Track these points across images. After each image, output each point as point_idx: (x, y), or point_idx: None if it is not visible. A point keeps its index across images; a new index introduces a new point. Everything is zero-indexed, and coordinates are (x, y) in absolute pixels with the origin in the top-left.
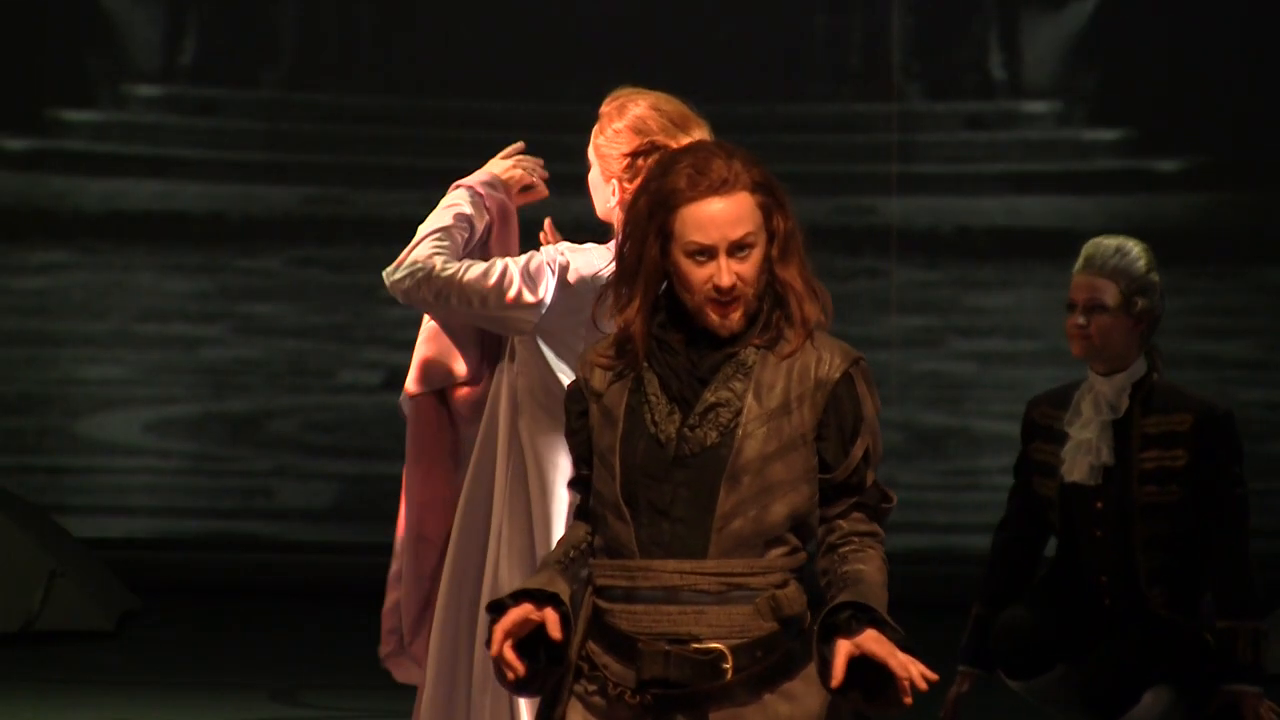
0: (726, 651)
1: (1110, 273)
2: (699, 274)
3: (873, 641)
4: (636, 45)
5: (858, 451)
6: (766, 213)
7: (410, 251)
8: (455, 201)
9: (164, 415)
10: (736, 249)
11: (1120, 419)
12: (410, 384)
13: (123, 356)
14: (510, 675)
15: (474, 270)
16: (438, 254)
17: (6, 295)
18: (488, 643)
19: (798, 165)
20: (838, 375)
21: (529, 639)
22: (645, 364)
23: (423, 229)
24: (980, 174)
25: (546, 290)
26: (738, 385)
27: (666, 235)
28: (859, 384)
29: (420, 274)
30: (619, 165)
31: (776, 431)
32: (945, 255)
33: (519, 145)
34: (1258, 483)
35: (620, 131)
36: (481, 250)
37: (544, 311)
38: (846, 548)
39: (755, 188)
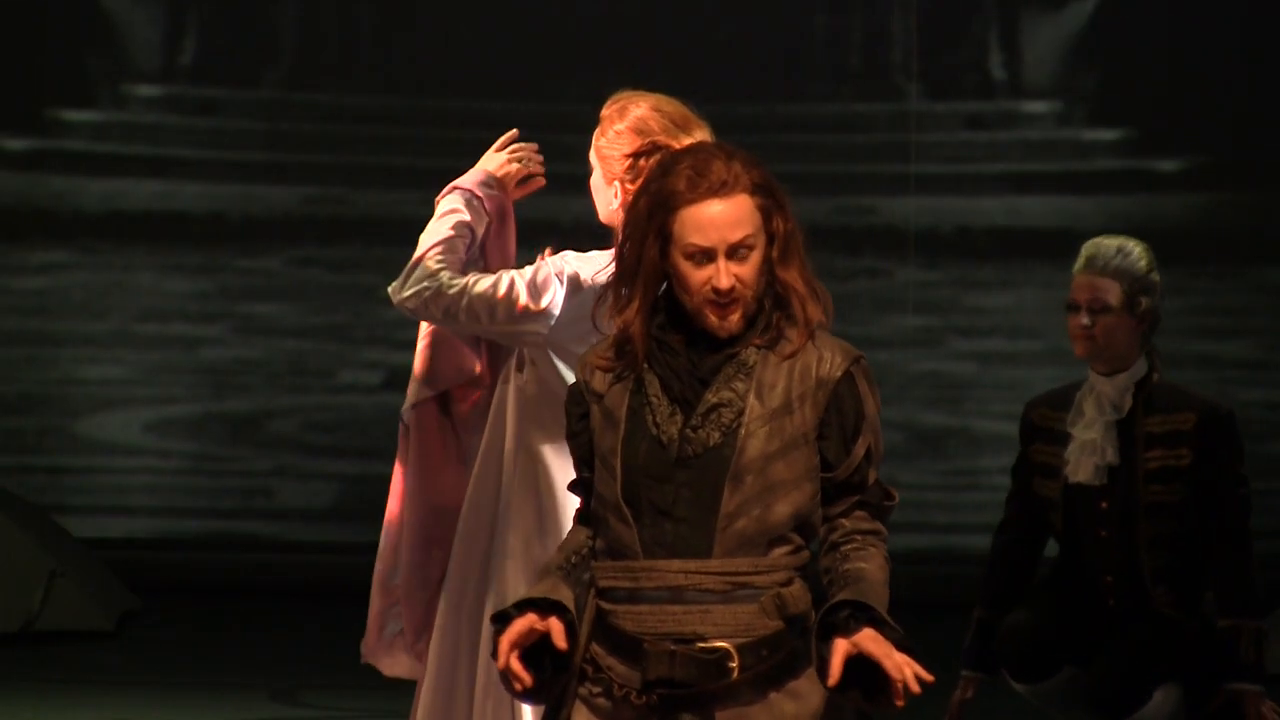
0: (732, 650)
1: (1113, 273)
2: (698, 276)
3: (870, 641)
4: (636, 45)
5: (859, 450)
6: (766, 215)
7: (414, 267)
8: (453, 208)
9: (164, 415)
10: (735, 251)
11: (1123, 419)
12: (415, 391)
13: (123, 356)
14: (518, 686)
15: (481, 285)
16: (443, 269)
17: (6, 295)
18: (494, 653)
19: (797, 165)
20: (839, 374)
21: (534, 647)
22: (645, 365)
23: (424, 241)
24: (980, 174)
25: (554, 301)
26: (739, 385)
27: (666, 237)
28: (860, 382)
29: (427, 293)
30: (621, 166)
31: (779, 431)
32: (945, 255)
33: (512, 134)
34: (1258, 483)
35: (622, 133)
36: (479, 251)
37: (553, 322)
38: (848, 545)
39: (755, 190)
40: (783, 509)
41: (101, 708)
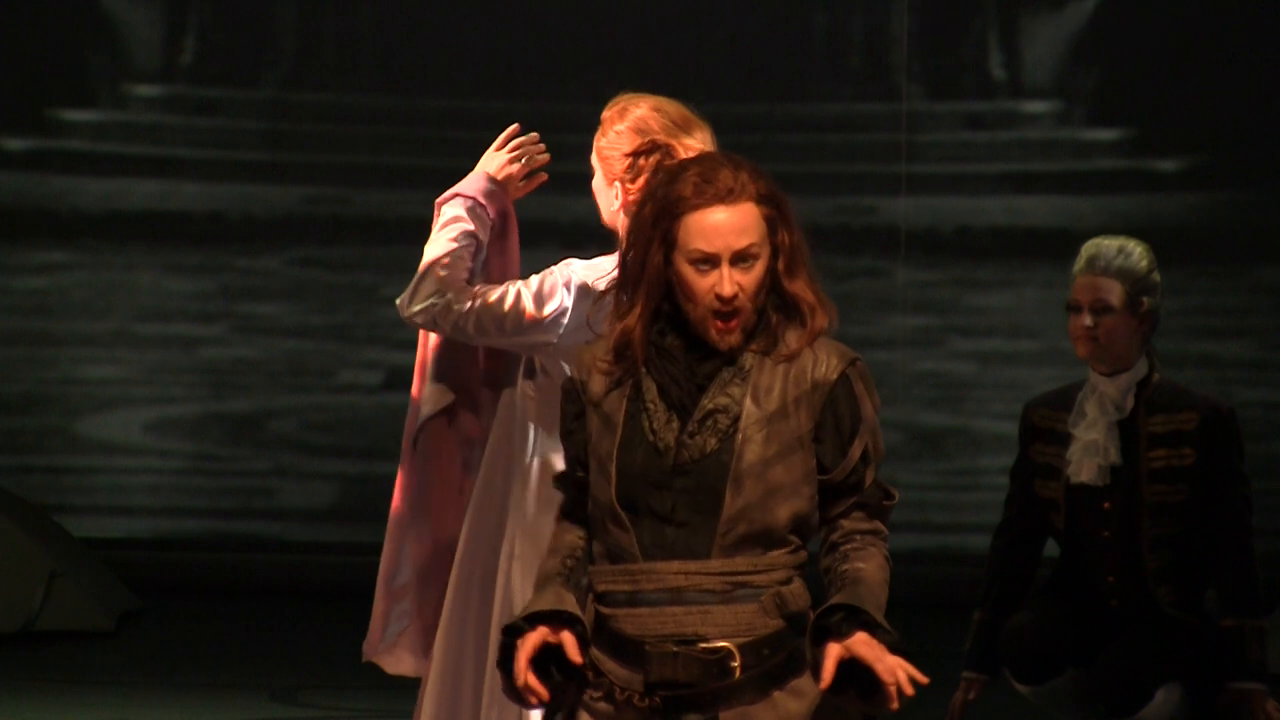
0: (734, 650)
1: (1115, 273)
2: (702, 283)
3: (862, 645)
4: (637, 45)
5: (855, 452)
6: (771, 226)
7: (420, 281)
8: (456, 216)
9: (164, 415)
10: (739, 259)
11: (1125, 419)
12: (435, 398)
13: (123, 356)
14: (533, 700)
15: (489, 298)
16: (450, 283)
17: (6, 295)
18: (500, 664)
19: (798, 165)
20: (834, 377)
21: (541, 657)
22: (644, 370)
23: (429, 253)
24: (980, 174)
25: (562, 309)
26: (735, 390)
27: (670, 243)
28: (856, 384)
29: (435, 308)
30: (621, 166)
31: (776, 435)
32: (945, 255)
33: (513, 129)
34: (1258, 483)
35: (622, 133)
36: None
37: (562, 331)
38: (847, 545)
39: (761, 200)
40: (782, 512)
41: (101, 708)
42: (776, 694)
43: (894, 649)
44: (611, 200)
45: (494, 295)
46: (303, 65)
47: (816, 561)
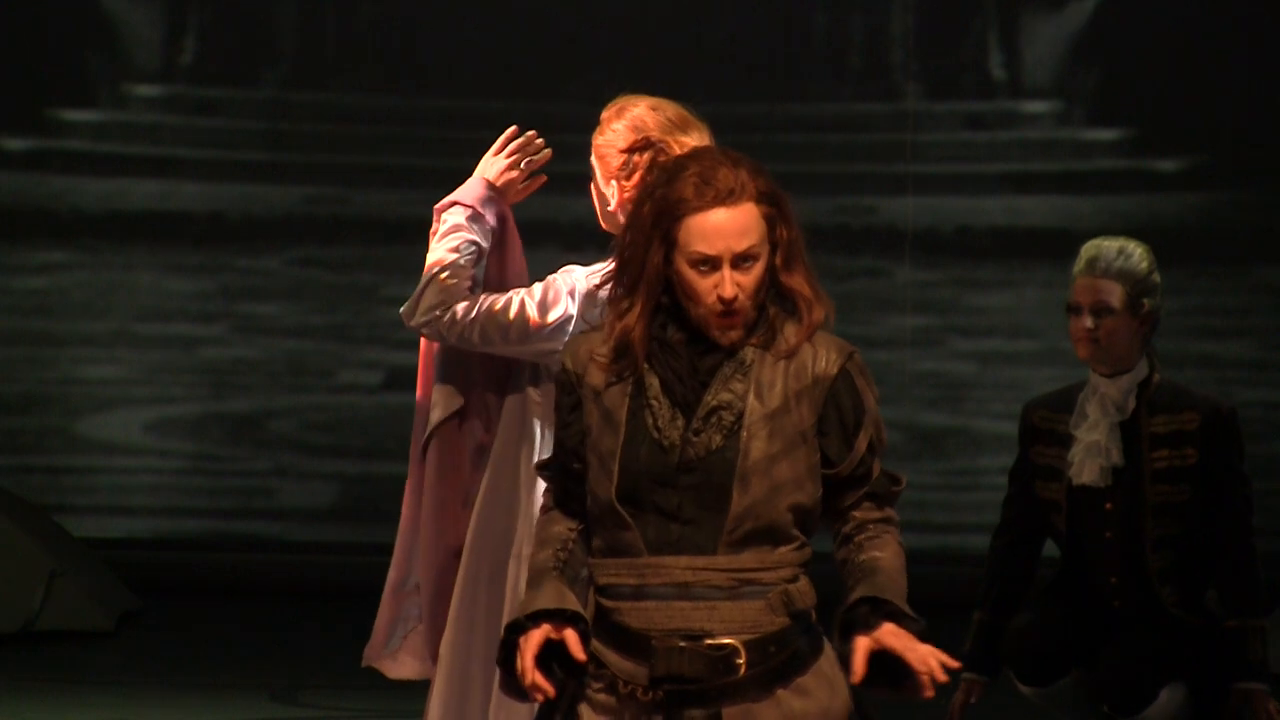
0: (740, 646)
1: (1116, 275)
2: (703, 284)
3: (890, 635)
4: (636, 45)
5: (861, 444)
6: (771, 223)
7: (423, 291)
8: (458, 225)
9: (164, 415)
10: (740, 260)
11: (1126, 420)
12: (445, 401)
13: (123, 356)
14: (539, 697)
15: (493, 308)
16: (455, 295)
17: (6, 295)
18: (500, 661)
19: (797, 165)
20: (835, 371)
21: (543, 654)
22: (645, 366)
23: (432, 262)
24: (980, 174)
25: (566, 317)
26: (738, 386)
27: (670, 243)
28: (857, 378)
29: (440, 320)
30: (617, 162)
31: (779, 431)
32: (945, 255)
33: (511, 131)
34: (1258, 483)
35: (618, 130)
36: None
37: (567, 338)
38: (861, 536)
39: (760, 198)
40: (787, 508)
41: (101, 708)
42: (781, 691)
43: (922, 637)
44: (608, 199)
45: (498, 305)
46: (303, 65)
47: (826, 555)
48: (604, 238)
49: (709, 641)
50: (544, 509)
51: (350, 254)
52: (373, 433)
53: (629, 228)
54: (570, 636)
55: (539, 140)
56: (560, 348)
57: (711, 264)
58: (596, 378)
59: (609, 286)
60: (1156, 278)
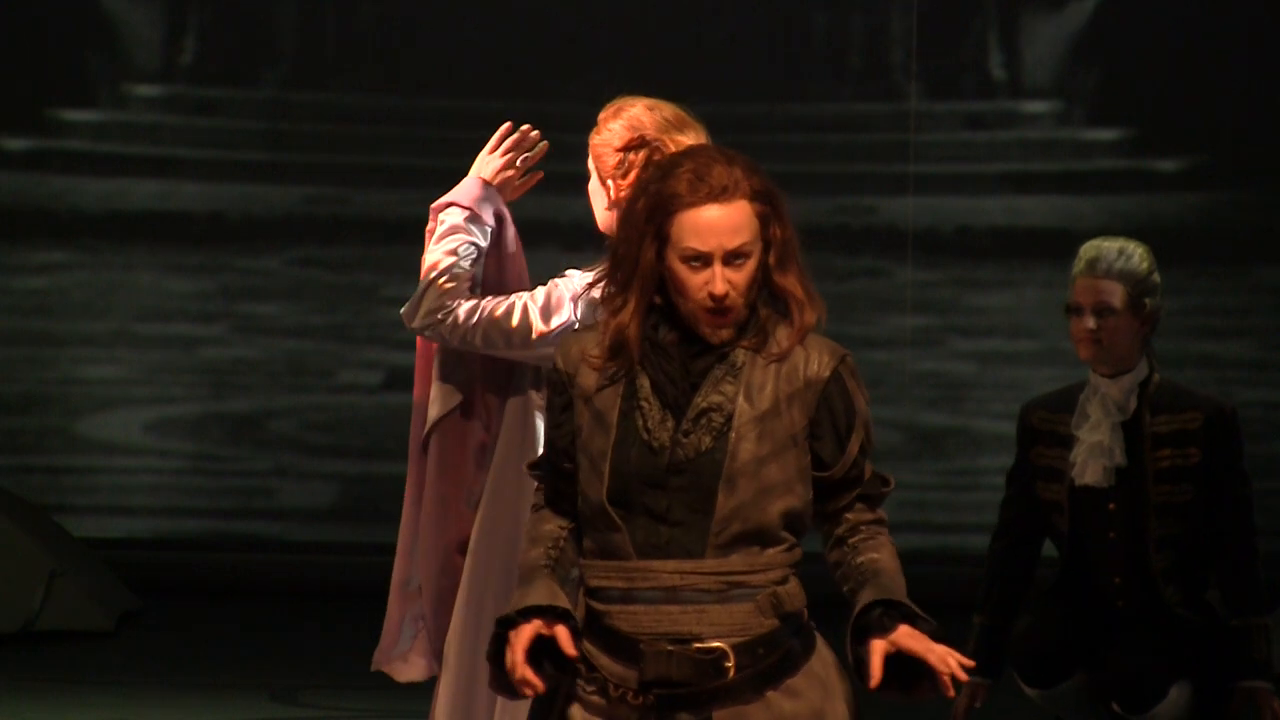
0: (729, 650)
1: (1117, 275)
2: (694, 280)
3: (907, 637)
4: (636, 45)
5: (854, 447)
6: (764, 221)
7: (424, 293)
8: (455, 226)
9: (164, 415)
10: (732, 258)
11: (1128, 420)
12: (444, 399)
13: (123, 356)
14: (529, 692)
15: (495, 313)
16: (455, 298)
17: (6, 295)
18: (491, 656)
19: (797, 165)
20: (827, 374)
21: (533, 650)
22: (638, 367)
23: (432, 264)
24: (980, 174)
25: (569, 323)
26: (728, 388)
27: (663, 239)
28: (848, 381)
29: (442, 324)
30: (613, 161)
31: (769, 433)
32: (945, 255)
33: (505, 128)
34: (1258, 483)
35: (615, 129)
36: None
37: None
38: (855, 538)
39: (754, 196)
40: (776, 511)
41: (101, 708)
42: (771, 694)
43: (936, 637)
44: (604, 199)
45: (500, 309)
46: (303, 65)
47: (817, 556)
48: (603, 238)
49: (698, 645)
50: (535, 507)
51: (350, 254)
52: (373, 433)
53: (623, 224)
54: (561, 633)
55: (534, 134)
56: None
57: (703, 260)
58: (588, 378)
59: (602, 285)
60: (1157, 277)
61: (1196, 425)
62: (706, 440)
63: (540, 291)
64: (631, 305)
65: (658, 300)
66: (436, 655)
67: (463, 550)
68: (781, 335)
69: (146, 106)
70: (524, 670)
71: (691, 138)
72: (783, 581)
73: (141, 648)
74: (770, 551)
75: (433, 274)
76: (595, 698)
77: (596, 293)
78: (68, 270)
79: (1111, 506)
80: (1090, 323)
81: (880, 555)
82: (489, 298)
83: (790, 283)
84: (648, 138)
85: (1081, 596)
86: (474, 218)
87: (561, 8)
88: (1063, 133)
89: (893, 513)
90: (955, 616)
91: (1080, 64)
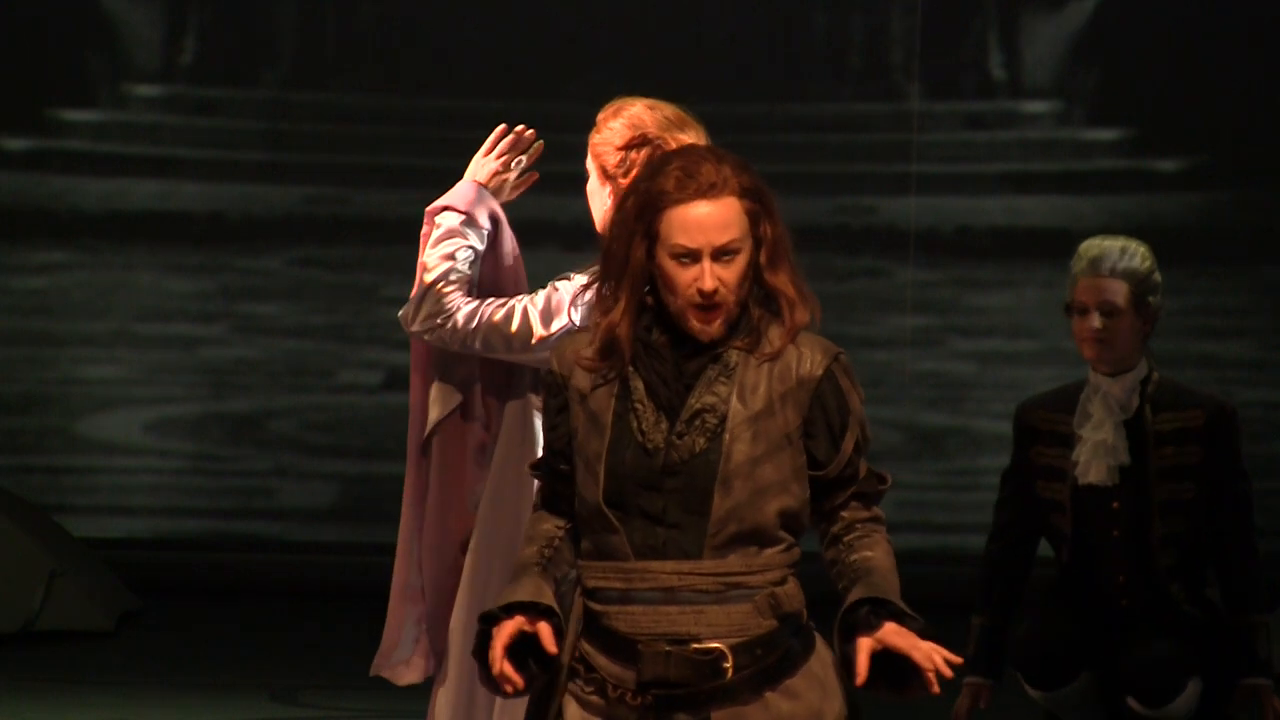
0: (727, 651)
1: (1120, 274)
2: (683, 277)
3: (894, 635)
4: (636, 45)
5: (849, 445)
6: (754, 219)
7: (422, 297)
8: (452, 230)
9: (164, 415)
10: (721, 254)
11: (1130, 418)
12: (443, 401)
13: (123, 356)
14: (509, 689)
15: (494, 317)
16: (454, 302)
17: (6, 295)
18: (475, 652)
19: (797, 165)
20: (820, 373)
21: (518, 647)
22: (631, 369)
23: (430, 268)
24: (980, 174)
25: (568, 326)
26: (721, 389)
27: (652, 236)
28: (841, 379)
29: (442, 328)
30: (613, 160)
31: (763, 433)
32: (945, 255)
33: (500, 130)
34: (1258, 483)
35: (615, 128)
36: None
37: None
38: (850, 536)
39: (744, 193)
40: (772, 510)
41: (101, 708)
42: (769, 694)
43: (923, 634)
44: (604, 199)
45: (500, 314)
46: (303, 65)
47: (815, 555)
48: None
49: (695, 646)
50: (534, 507)
51: (350, 254)
52: (373, 433)
53: (614, 222)
54: (543, 629)
55: (529, 134)
56: None
57: (692, 256)
58: (583, 380)
59: (594, 287)
60: (1158, 276)
61: (1198, 423)
62: (701, 441)
63: (540, 295)
64: (622, 304)
65: (650, 301)
66: (438, 655)
67: (461, 550)
68: (774, 335)
69: (146, 106)
70: (503, 665)
71: (692, 136)
72: (781, 582)
73: (141, 648)
74: (768, 552)
75: (430, 278)
76: (593, 698)
77: (590, 294)
78: (68, 270)
79: (1115, 505)
80: (1096, 322)
81: (874, 553)
82: (488, 301)
83: (782, 281)
84: (649, 136)
85: (1085, 596)
86: (469, 221)
87: (561, 8)
88: (1063, 133)
89: (892, 513)
90: (955, 616)
91: (1080, 64)
